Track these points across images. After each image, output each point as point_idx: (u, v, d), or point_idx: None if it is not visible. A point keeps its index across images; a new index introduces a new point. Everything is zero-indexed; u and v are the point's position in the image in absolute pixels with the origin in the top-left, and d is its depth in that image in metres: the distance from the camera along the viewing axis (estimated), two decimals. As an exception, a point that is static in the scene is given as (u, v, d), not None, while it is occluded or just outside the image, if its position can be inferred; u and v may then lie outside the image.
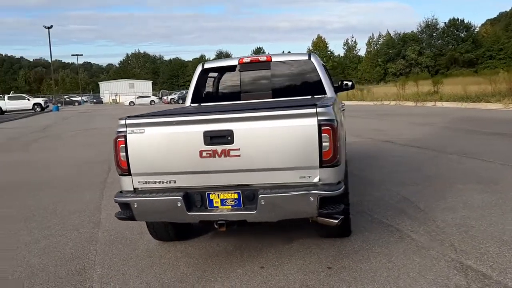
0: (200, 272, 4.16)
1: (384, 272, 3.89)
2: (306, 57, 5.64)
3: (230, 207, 3.95)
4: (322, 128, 3.75)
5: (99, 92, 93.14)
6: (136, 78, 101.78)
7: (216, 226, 3.97)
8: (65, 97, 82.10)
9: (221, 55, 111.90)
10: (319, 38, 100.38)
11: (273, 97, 5.68)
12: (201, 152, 3.88)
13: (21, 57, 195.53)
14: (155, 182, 4.04)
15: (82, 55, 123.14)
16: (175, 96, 65.19)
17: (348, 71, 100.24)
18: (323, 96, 5.51)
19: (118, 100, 74.03)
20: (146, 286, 3.96)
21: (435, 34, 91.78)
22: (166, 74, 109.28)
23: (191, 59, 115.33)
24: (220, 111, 4.06)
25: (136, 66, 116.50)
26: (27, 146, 15.73)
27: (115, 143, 4.03)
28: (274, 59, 5.74)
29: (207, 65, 5.98)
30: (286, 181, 3.86)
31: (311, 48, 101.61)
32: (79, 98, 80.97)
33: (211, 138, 3.86)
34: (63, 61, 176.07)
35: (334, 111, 4.00)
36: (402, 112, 22.58)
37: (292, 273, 4.01)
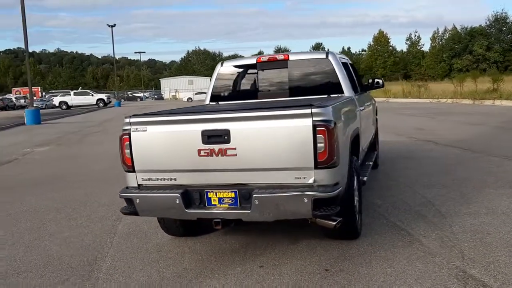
0: (200, 269, 4.24)
1: (380, 277, 3.80)
2: (324, 56, 5.57)
3: (227, 205, 4.01)
4: (317, 129, 3.71)
5: (160, 89, 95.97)
6: (196, 75, 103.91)
7: (213, 224, 4.04)
8: (128, 93, 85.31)
9: (279, 51, 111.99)
10: (381, 33, 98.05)
11: (290, 96, 5.66)
12: (199, 151, 3.95)
13: (91, 55, 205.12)
14: (157, 179, 4.16)
15: (144, 52, 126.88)
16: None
17: (410, 66, 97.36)
18: (340, 95, 5.43)
19: (177, 96, 75.92)
20: (147, 279, 4.09)
21: (504, 28, 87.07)
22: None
23: (249, 56, 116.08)
24: (218, 110, 4.12)
25: (196, 63, 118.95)
26: (81, 139, 16.53)
27: (120, 141, 4.19)
28: (291, 57, 5.71)
29: (226, 64, 6.05)
30: (282, 181, 3.86)
31: (372, 43, 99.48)
32: (141, 94, 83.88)
33: (209, 137, 3.92)
34: (129, 58, 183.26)
35: (334, 111, 3.94)
36: (456, 110, 21.67)
37: (289, 273, 4.01)
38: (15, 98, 60.92)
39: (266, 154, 3.85)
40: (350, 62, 7.01)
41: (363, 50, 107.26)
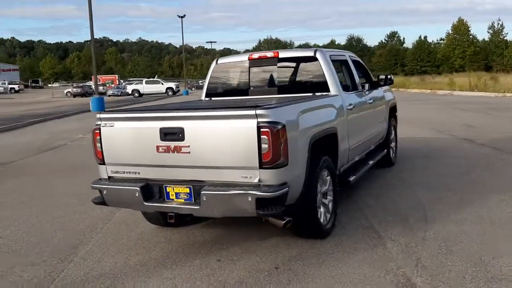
0: (164, 259, 4.47)
1: (322, 279, 3.83)
2: (312, 53, 5.54)
3: (183, 200, 4.19)
4: (261, 130, 3.78)
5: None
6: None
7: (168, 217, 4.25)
8: (200, 82, 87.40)
9: (352, 40, 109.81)
10: (460, 21, 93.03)
11: (279, 94, 5.70)
12: (158, 147, 4.16)
13: (169, 44, 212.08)
14: (124, 172, 4.43)
15: (215, 42, 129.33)
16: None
17: (492, 57, 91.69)
18: (325, 94, 5.40)
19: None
20: (113, 266, 4.37)
21: None
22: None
23: (321, 45, 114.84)
24: (174, 109, 4.29)
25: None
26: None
27: (92, 135, 4.49)
28: (281, 55, 5.74)
29: (220, 61, 6.19)
30: (231, 179, 3.98)
31: (450, 32, 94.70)
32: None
33: (165, 134, 4.11)
34: (205, 47, 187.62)
35: (284, 113, 3.98)
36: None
37: (240, 269, 4.13)
38: (93, 85, 64.61)
39: (216, 152, 3.98)
40: (355, 59, 6.90)
41: (441, 39, 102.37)
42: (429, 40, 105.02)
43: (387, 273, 3.87)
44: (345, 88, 6.17)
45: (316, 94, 5.44)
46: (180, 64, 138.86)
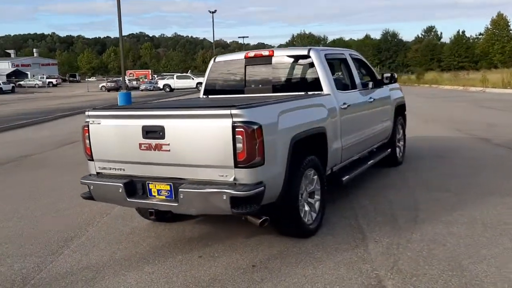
0: (149, 254, 4.58)
1: (295, 279, 3.85)
2: (306, 52, 5.52)
3: (164, 197, 4.28)
4: (236, 129, 3.82)
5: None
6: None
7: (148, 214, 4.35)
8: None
9: (387, 35, 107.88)
10: (500, 16, 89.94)
11: (273, 92, 5.71)
12: (140, 145, 4.26)
13: (204, 39, 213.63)
14: (110, 169, 4.55)
15: (247, 37, 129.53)
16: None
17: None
18: (317, 93, 5.38)
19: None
20: (99, 259, 4.51)
21: None
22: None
23: (355, 39, 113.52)
24: (155, 107, 4.37)
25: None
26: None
27: (82, 132, 4.62)
28: (276, 54, 5.74)
29: (218, 59, 6.24)
30: (209, 178, 4.04)
31: (489, 26, 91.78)
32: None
33: (147, 132, 4.21)
34: (239, 42, 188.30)
35: (261, 113, 4.01)
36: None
37: (218, 266, 4.20)
38: (128, 80, 65.86)
39: (195, 151, 4.05)
40: (358, 57, 6.83)
41: (479, 34, 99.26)
42: (467, 35, 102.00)
43: (361, 274, 3.86)
44: (344, 87, 6.15)
45: (309, 93, 5.42)
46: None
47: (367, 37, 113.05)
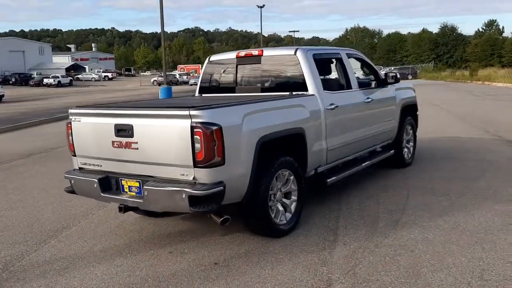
0: (124, 247, 4.77)
1: (247, 278, 3.92)
2: (292, 52, 5.51)
3: (134, 193, 4.44)
4: (195, 130, 3.92)
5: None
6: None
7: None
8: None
9: (445, 29, 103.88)
10: None
11: (262, 92, 5.75)
12: (113, 142, 4.45)
13: (258, 33, 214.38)
14: (90, 164, 4.77)
15: (298, 31, 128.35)
16: (382, 72, 63.07)
17: None
18: (301, 93, 5.37)
19: (328, 76, 75.44)
20: (79, 250, 4.75)
21: None
22: (383, 49, 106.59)
23: (413, 33, 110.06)
24: (125, 107, 4.54)
25: (354, 41, 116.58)
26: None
27: (66, 128, 4.87)
28: (265, 53, 5.76)
29: (212, 58, 6.35)
30: (172, 176, 4.17)
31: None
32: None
33: (118, 130, 4.39)
34: (294, 36, 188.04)
35: (220, 114, 4.08)
36: None
37: (182, 262, 4.33)
38: (178, 74, 67.31)
39: (159, 150, 4.18)
40: (359, 56, 6.74)
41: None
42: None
43: (314, 277, 3.87)
44: (339, 87, 6.10)
45: (293, 93, 5.42)
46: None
47: (424, 31, 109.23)
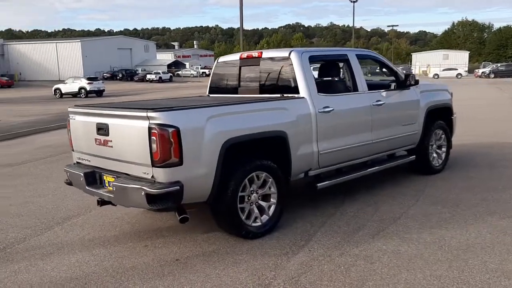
0: (110, 238, 5.09)
1: (194, 276, 4.04)
2: (287, 54, 5.46)
3: (112, 189, 4.73)
4: (152, 131, 4.11)
5: (411, 63, 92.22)
6: (459, 49, 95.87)
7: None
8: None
9: None
10: None
11: (260, 93, 5.78)
12: (95, 140, 4.79)
13: (361, 27, 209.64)
14: (83, 159, 5.16)
15: (397, 25, 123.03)
16: (486, 69, 58.82)
17: None
18: (291, 96, 5.33)
19: (428, 72, 72.04)
20: (71, 238, 5.16)
21: None
22: (493, 44, 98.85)
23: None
24: (103, 107, 4.83)
25: (461, 35, 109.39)
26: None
27: (67, 125, 5.30)
28: (263, 55, 5.77)
29: (220, 60, 6.47)
30: (137, 174, 4.41)
31: None
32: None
33: (99, 129, 4.71)
34: (398, 30, 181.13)
35: (179, 116, 4.21)
36: None
37: (150, 256, 4.55)
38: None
39: (127, 148, 4.44)
40: (375, 57, 6.50)
41: None
42: None
43: (256, 280, 3.89)
44: (342, 89, 5.96)
45: (286, 95, 5.40)
46: (364, 48, 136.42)
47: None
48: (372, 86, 6.84)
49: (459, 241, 4.54)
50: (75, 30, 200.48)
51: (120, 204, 4.70)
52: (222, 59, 6.48)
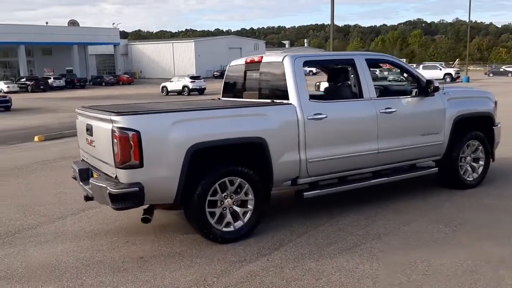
0: (101, 232, 5.42)
1: (142, 275, 4.20)
2: (280, 59, 5.37)
3: (90, 185, 5.06)
4: (114, 134, 4.36)
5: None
6: None
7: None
8: (504, 67, 77.69)
9: None
10: None
11: (259, 98, 5.75)
12: (86, 139, 5.17)
13: (490, 23, 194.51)
14: (84, 156, 5.59)
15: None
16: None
17: None
18: (279, 101, 5.25)
19: None
20: (64, 230, 5.54)
21: None
22: None
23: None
24: (90, 108, 5.16)
25: None
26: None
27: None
28: (263, 60, 5.72)
29: (232, 63, 6.51)
30: (109, 174, 4.68)
31: None
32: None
33: (87, 129, 5.08)
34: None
35: (139, 120, 4.39)
36: None
37: (123, 252, 4.80)
38: (379, 70, 65.59)
39: (102, 149, 4.74)
40: (392, 61, 6.15)
41: None
42: None
43: (191, 286, 3.94)
44: (345, 95, 5.74)
45: (275, 101, 5.33)
46: (491, 46, 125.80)
47: None
48: (392, 93, 6.47)
49: (429, 265, 4.16)
50: (196, 30, 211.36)
51: (97, 201, 5.01)
52: (233, 63, 6.54)
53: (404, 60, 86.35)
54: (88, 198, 5.30)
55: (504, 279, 3.86)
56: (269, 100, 5.41)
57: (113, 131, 4.36)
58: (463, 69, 54.73)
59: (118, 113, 4.39)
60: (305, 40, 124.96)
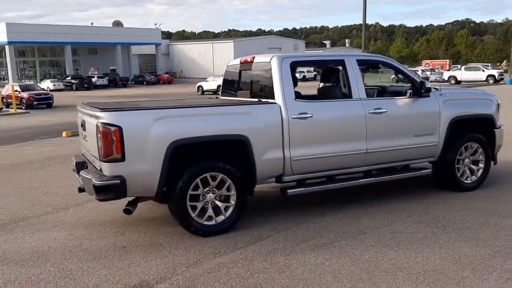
0: (96, 222, 5.73)
1: (116, 263, 4.43)
2: (268, 60, 5.50)
3: (81, 177, 5.35)
4: (98, 129, 4.63)
5: None
6: None
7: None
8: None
9: None
10: None
11: (250, 97, 5.90)
12: (82, 134, 5.48)
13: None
14: (83, 150, 5.90)
15: None
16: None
17: None
18: (265, 101, 5.39)
19: None
20: (76, 217, 5.93)
21: None
22: None
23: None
24: (86, 105, 5.44)
25: None
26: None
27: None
28: (255, 60, 5.86)
29: (229, 63, 6.68)
30: (97, 167, 4.95)
31: None
32: None
33: (82, 125, 5.38)
34: None
35: (128, 117, 4.63)
36: None
37: (108, 241, 5.05)
38: (421, 70, 64.17)
39: (91, 143, 5.01)
40: (386, 62, 6.13)
41: None
42: None
43: (159, 274, 4.14)
44: (332, 95, 5.82)
45: (263, 100, 5.46)
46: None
47: None
48: (389, 94, 6.50)
49: (394, 263, 4.19)
50: (238, 31, 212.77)
51: (87, 193, 5.29)
52: (231, 63, 6.72)
53: (448, 61, 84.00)
54: (81, 190, 5.60)
55: (465, 280, 3.86)
56: (256, 99, 5.56)
57: (97, 126, 4.62)
58: (509, 71, 52.59)
59: (103, 110, 4.65)
60: (347, 40, 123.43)
